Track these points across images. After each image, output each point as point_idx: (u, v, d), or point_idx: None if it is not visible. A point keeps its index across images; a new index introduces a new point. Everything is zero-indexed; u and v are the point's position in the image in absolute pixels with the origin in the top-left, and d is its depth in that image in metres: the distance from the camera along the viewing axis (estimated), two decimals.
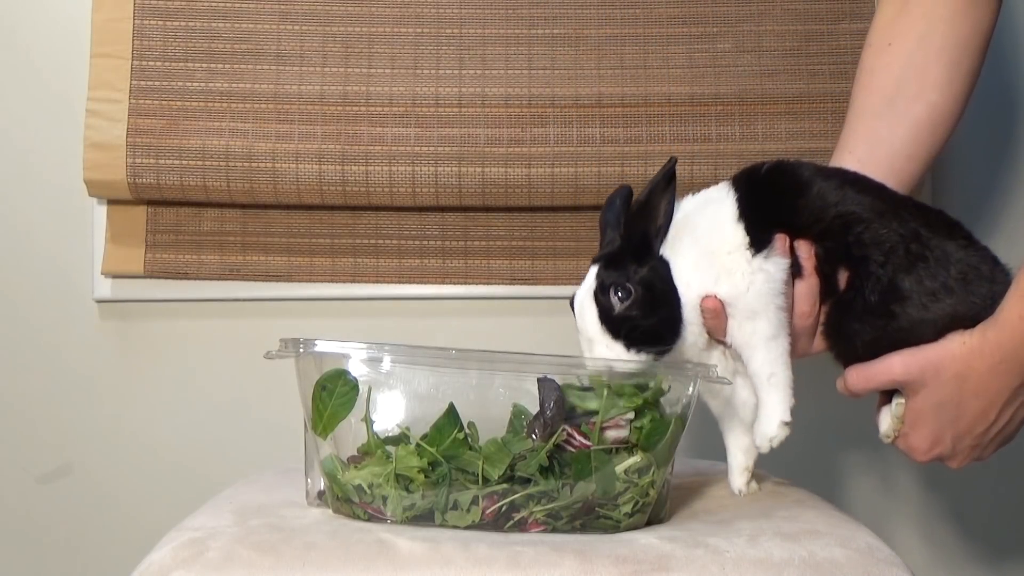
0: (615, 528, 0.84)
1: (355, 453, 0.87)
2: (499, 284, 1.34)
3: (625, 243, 0.92)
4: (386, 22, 1.30)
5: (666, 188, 0.91)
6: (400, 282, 1.33)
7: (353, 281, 1.33)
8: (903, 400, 0.92)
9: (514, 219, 1.33)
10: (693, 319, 0.92)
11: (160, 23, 1.28)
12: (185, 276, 1.32)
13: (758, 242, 0.91)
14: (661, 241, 0.92)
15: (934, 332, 0.89)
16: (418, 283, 1.34)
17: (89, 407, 1.34)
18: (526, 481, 0.83)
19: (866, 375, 0.93)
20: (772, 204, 0.93)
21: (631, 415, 0.85)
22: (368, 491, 0.84)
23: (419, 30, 1.30)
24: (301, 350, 0.87)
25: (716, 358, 0.96)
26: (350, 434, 0.86)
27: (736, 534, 0.82)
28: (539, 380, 0.85)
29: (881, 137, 1.01)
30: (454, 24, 1.30)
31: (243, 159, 1.25)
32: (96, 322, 1.35)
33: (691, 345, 0.93)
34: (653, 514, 0.88)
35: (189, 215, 1.32)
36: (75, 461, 1.34)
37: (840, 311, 0.93)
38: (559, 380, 0.86)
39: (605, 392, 0.85)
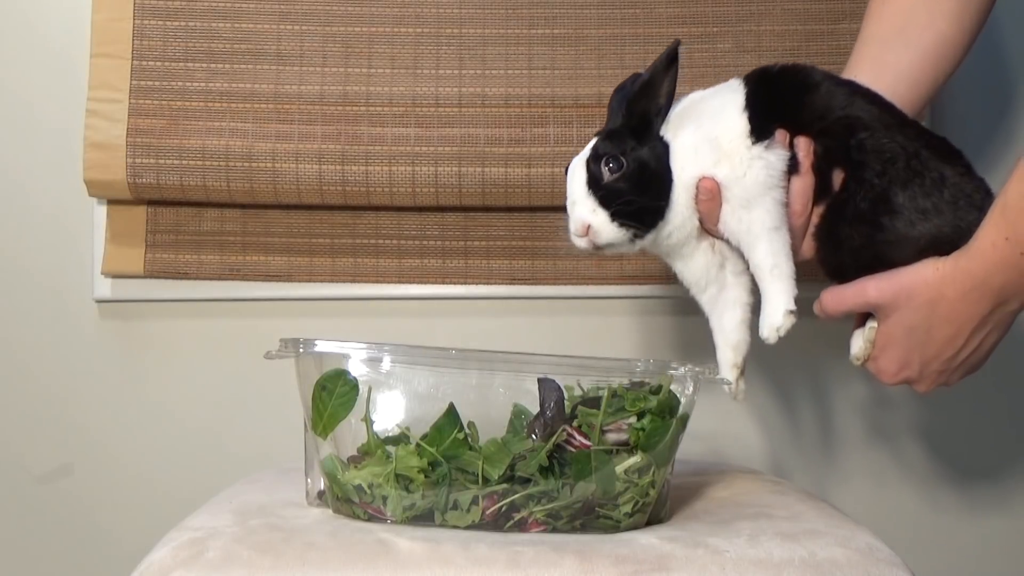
0: (615, 528, 0.84)
1: (355, 453, 0.87)
2: (499, 284, 1.34)
3: (626, 120, 0.94)
4: (386, 22, 1.30)
5: (668, 69, 0.92)
6: (400, 282, 1.33)
7: (353, 281, 1.33)
8: (876, 324, 0.94)
9: (514, 219, 1.33)
10: (684, 201, 0.93)
11: (160, 23, 1.28)
12: (185, 276, 1.32)
13: (760, 132, 0.92)
14: (661, 121, 0.94)
15: (915, 251, 0.90)
16: (418, 283, 1.34)
17: (89, 407, 1.34)
18: (526, 481, 0.83)
19: (840, 297, 0.94)
20: (780, 99, 0.94)
21: (633, 419, 0.85)
22: (368, 491, 0.84)
23: (419, 30, 1.30)
24: (301, 350, 0.87)
25: (703, 252, 0.96)
26: (350, 434, 0.86)
27: (736, 534, 0.82)
28: (539, 380, 0.85)
29: (887, 62, 1.01)
30: (454, 24, 1.30)
31: (243, 159, 1.25)
32: (96, 322, 1.35)
33: (678, 228, 0.94)
34: (653, 514, 0.88)
35: (189, 215, 1.32)
36: (75, 461, 1.34)
37: (831, 215, 0.94)
38: (559, 380, 0.86)
39: (607, 395, 0.85)
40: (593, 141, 0.95)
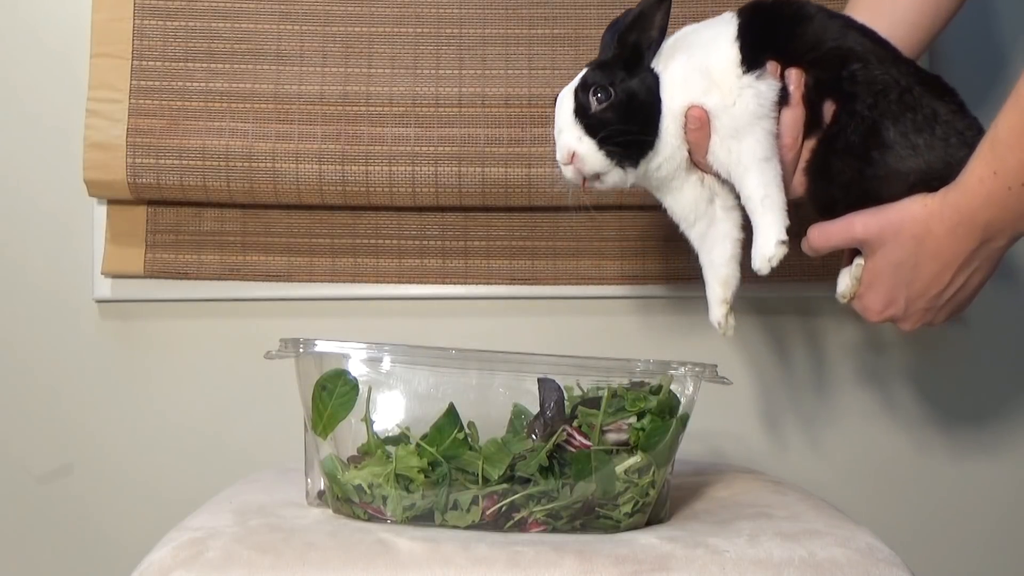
0: (615, 528, 0.85)
1: (355, 453, 0.87)
2: (499, 284, 1.34)
3: (618, 52, 0.94)
4: (386, 22, 1.30)
5: (660, 2, 0.92)
6: (400, 282, 1.33)
7: (353, 281, 1.33)
8: (862, 262, 0.94)
9: (514, 219, 1.33)
10: (673, 131, 0.93)
11: (160, 23, 1.28)
12: (185, 276, 1.32)
13: (751, 62, 0.92)
14: (653, 54, 0.94)
15: (905, 187, 0.90)
16: (418, 283, 1.34)
17: (89, 407, 1.34)
18: (526, 481, 0.83)
19: (827, 233, 0.94)
20: (772, 30, 0.94)
21: (633, 419, 0.85)
22: (368, 491, 0.84)
23: (419, 30, 1.30)
24: (301, 350, 0.87)
25: (692, 186, 0.96)
26: (350, 434, 0.86)
27: (736, 534, 0.82)
28: (539, 380, 0.86)
29: (885, 3, 1.01)
30: (454, 24, 1.30)
31: (243, 159, 1.25)
32: (96, 322, 1.35)
33: (667, 160, 0.94)
34: (653, 514, 0.88)
35: (189, 215, 1.32)
36: (75, 461, 1.34)
37: (822, 149, 0.93)
38: (559, 380, 0.86)
39: (607, 395, 0.85)
40: (583, 71, 0.94)
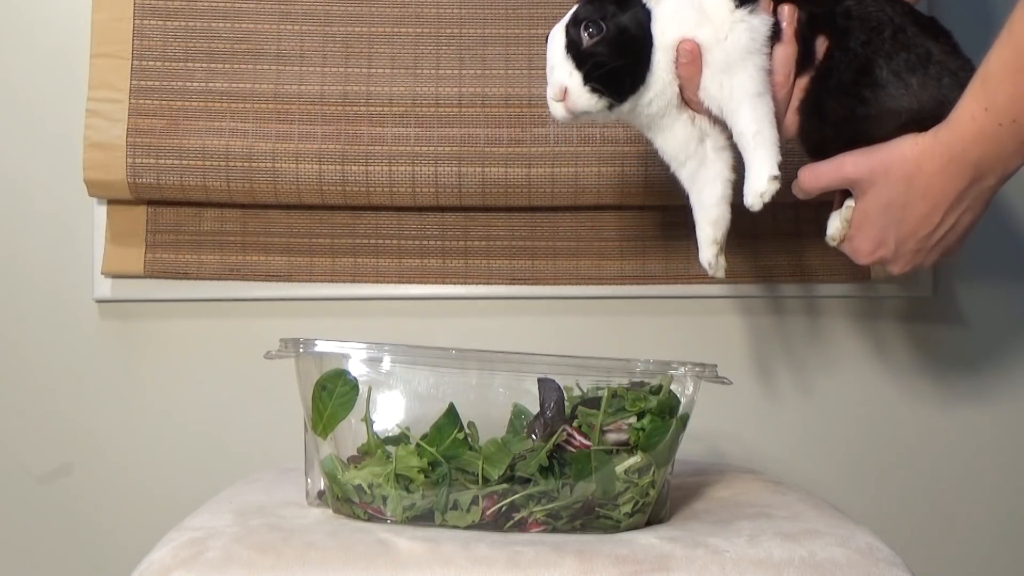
0: (615, 528, 0.85)
1: (355, 453, 0.87)
2: (499, 284, 1.34)
3: None
4: (386, 22, 1.30)
5: None
6: (400, 282, 1.33)
7: (353, 281, 1.33)
8: (852, 203, 0.93)
9: (514, 219, 1.33)
10: (664, 65, 0.93)
11: (160, 23, 1.28)
12: (185, 276, 1.32)
13: None
14: None
15: (896, 127, 0.90)
16: (418, 283, 1.34)
17: (89, 407, 1.34)
18: (526, 481, 0.83)
19: (817, 174, 0.94)
20: None
21: (633, 419, 0.85)
22: (368, 491, 0.84)
23: (419, 30, 1.30)
24: (301, 350, 0.87)
25: (683, 125, 0.96)
26: (350, 434, 0.86)
27: (736, 534, 0.82)
28: (539, 380, 0.86)
29: None
30: (454, 24, 1.30)
31: (243, 159, 1.25)
32: (96, 322, 1.35)
33: (658, 95, 0.94)
34: (653, 514, 0.88)
35: (189, 215, 1.32)
36: (75, 461, 1.34)
37: (814, 87, 0.93)
38: (559, 380, 0.86)
39: (607, 395, 0.85)
40: (575, 7, 0.94)
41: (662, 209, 1.32)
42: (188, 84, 1.27)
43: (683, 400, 0.88)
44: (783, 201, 1.32)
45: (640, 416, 0.85)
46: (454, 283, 1.33)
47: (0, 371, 1.34)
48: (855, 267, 1.34)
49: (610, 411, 0.85)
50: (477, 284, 1.34)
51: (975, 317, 1.39)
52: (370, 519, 0.85)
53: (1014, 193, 1.39)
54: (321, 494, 0.90)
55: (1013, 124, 0.82)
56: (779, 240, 1.34)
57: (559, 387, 0.86)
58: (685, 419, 0.88)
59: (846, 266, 1.34)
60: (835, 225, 0.96)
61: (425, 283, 1.33)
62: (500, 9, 1.30)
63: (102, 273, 1.32)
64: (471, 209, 1.32)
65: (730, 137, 0.94)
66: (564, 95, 0.92)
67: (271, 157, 1.25)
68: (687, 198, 1.00)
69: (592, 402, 0.86)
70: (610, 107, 0.93)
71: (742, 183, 0.93)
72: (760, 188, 0.90)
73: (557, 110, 0.94)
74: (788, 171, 0.92)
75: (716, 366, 0.91)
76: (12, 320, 1.34)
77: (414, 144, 1.26)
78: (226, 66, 1.28)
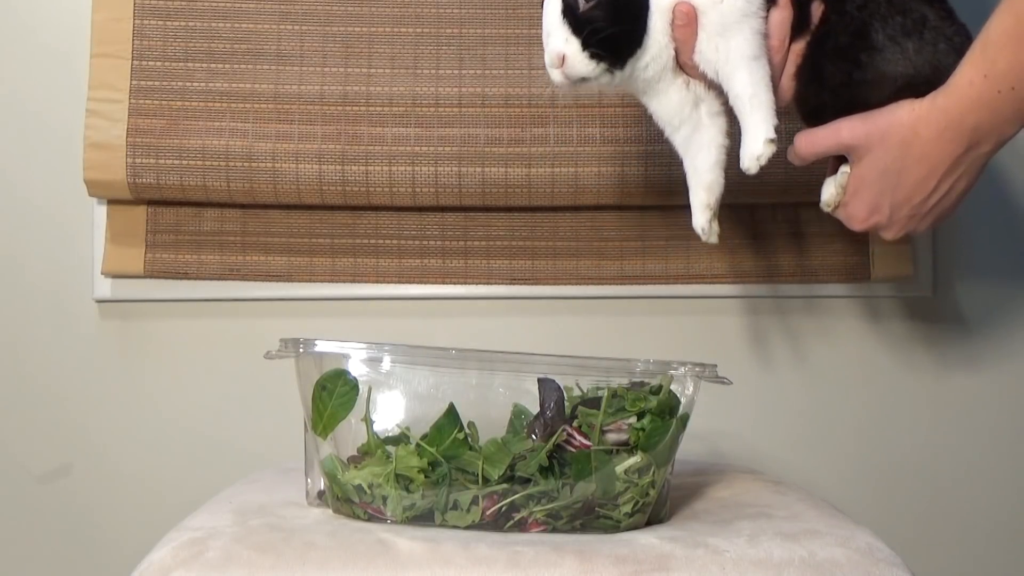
0: (615, 528, 0.85)
1: (355, 453, 0.87)
2: (499, 284, 1.34)
3: None
4: (386, 22, 1.30)
5: None
6: (400, 282, 1.33)
7: (353, 281, 1.33)
8: (847, 169, 0.93)
9: (514, 219, 1.33)
10: (661, 28, 0.92)
11: (160, 23, 1.28)
12: (185, 276, 1.32)
13: None
14: None
15: (892, 91, 0.90)
16: (418, 283, 1.34)
17: (89, 407, 1.34)
18: (526, 481, 0.83)
19: (813, 139, 0.94)
20: None
21: (633, 419, 0.85)
22: (368, 491, 0.84)
23: (419, 30, 1.30)
24: (301, 350, 0.87)
25: (677, 89, 0.96)
26: (350, 434, 0.86)
27: (736, 534, 0.82)
28: (539, 380, 0.86)
29: None
30: (454, 24, 1.30)
31: (243, 159, 1.25)
32: (96, 322, 1.35)
33: (654, 59, 0.93)
34: (653, 514, 0.88)
35: (189, 215, 1.32)
36: (75, 461, 1.34)
37: (810, 51, 0.93)
38: (559, 380, 0.86)
39: (607, 395, 0.85)
40: None
41: (662, 209, 1.32)
42: (188, 84, 1.27)
43: (683, 400, 0.88)
44: (783, 201, 1.33)
45: (640, 416, 0.85)
46: (454, 283, 1.33)
47: (0, 371, 1.34)
48: (855, 267, 1.34)
49: (610, 411, 0.85)
50: (477, 284, 1.34)
51: (975, 317, 1.39)
52: (370, 519, 0.85)
53: (1014, 193, 1.39)
54: (321, 494, 0.90)
55: (1012, 91, 0.83)
56: (779, 240, 1.34)
57: (559, 387, 0.86)
58: (685, 419, 0.88)
59: (846, 266, 1.34)
60: (830, 191, 0.96)
61: (425, 283, 1.33)
62: (500, 9, 1.30)
63: (102, 273, 1.32)
64: (471, 209, 1.32)
65: (725, 103, 0.94)
66: (562, 62, 0.92)
67: (271, 157, 1.25)
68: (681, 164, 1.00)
69: (592, 402, 0.86)
70: (610, 72, 0.93)
71: (736, 149, 0.93)
72: (756, 151, 0.90)
73: (555, 76, 0.94)
74: (783, 139, 0.92)
75: (716, 366, 0.91)
76: (12, 320, 1.34)
77: (414, 144, 1.26)
78: (226, 66, 1.28)
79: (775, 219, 1.34)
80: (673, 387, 0.87)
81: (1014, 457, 1.39)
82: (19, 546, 1.34)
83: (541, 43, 0.96)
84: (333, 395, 0.86)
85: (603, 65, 0.92)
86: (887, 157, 0.90)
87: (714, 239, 0.98)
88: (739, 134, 0.92)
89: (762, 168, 0.90)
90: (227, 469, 1.28)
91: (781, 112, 0.92)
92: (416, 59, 1.29)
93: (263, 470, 1.11)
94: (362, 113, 1.27)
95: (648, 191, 1.27)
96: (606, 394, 0.85)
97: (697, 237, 0.99)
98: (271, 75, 1.28)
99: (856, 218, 0.95)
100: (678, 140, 0.99)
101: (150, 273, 1.32)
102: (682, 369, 0.88)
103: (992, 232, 1.38)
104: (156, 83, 1.27)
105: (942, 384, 1.39)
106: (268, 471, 1.09)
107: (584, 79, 0.93)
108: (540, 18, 0.96)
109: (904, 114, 0.88)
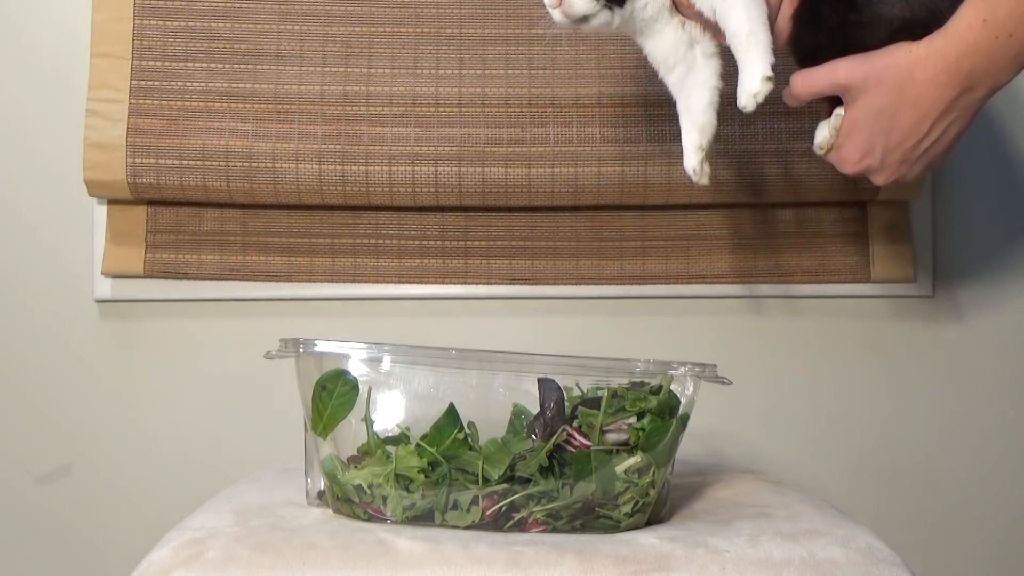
0: (615, 528, 0.85)
1: (355, 453, 0.87)
2: (499, 284, 1.34)
3: None
4: (386, 22, 1.30)
5: None
6: (400, 282, 1.33)
7: (353, 281, 1.33)
8: (842, 112, 0.93)
9: (514, 219, 1.33)
10: None
11: (160, 23, 1.28)
12: (185, 276, 1.32)
13: None
14: None
15: (888, 34, 0.90)
16: (418, 283, 1.34)
17: (89, 407, 1.34)
18: (526, 481, 0.83)
19: (810, 79, 0.94)
20: None
21: (633, 419, 0.85)
22: (368, 491, 0.84)
23: (419, 30, 1.30)
24: (301, 350, 0.87)
25: (672, 29, 0.96)
26: (350, 434, 0.86)
27: (736, 534, 0.82)
28: (539, 380, 0.86)
29: None
30: (454, 24, 1.30)
31: (243, 159, 1.25)
32: (96, 322, 1.35)
33: (650, 1, 0.94)
34: (653, 514, 0.88)
35: (189, 215, 1.32)
36: (75, 461, 1.34)
37: None
38: (559, 380, 0.86)
39: (607, 395, 0.85)
40: None
41: (662, 209, 1.32)
42: (188, 84, 1.27)
43: (683, 400, 0.88)
44: (783, 201, 1.32)
45: (640, 416, 0.85)
46: (454, 283, 1.33)
47: (0, 371, 1.34)
48: (855, 267, 1.34)
49: (610, 411, 0.85)
50: (477, 284, 1.34)
51: (975, 317, 1.39)
52: (370, 519, 0.85)
53: (1014, 192, 1.39)
54: (321, 494, 0.90)
55: (1009, 38, 0.83)
56: (779, 240, 1.34)
57: (559, 387, 0.86)
58: (685, 419, 0.88)
59: (846, 266, 1.34)
60: (823, 134, 0.96)
61: (425, 283, 1.33)
62: (500, 9, 1.30)
63: (102, 273, 1.32)
64: (471, 209, 1.32)
65: (720, 45, 0.95)
66: (560, 1, 0.92)
67: (271, 157, 1.25)
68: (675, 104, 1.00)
69: (592, 402, 0.86)
70: (609, 9, 0.93)
71: (728, 92, 0.93)
72: (754, 88, 0.90)
73: (556, 15, 0.94)
74: (779, 79, 0.91)
75: (716, 366, 0.91)
76: (12, 320, 1.34)
77: (414, 144, 1.26)
78: (226, 66, 1.28)
79: (775, 219, 1.34)
80: (673, 387, 0.87)
81: (1014, 457, 1.39)
82: (19, 546, 1.34)
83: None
84: (333, 395, 0.86)
85: (602, 2, 0.92)
86: (882, 99, 0.90)
87: (705, 180, 0.98)
88: (733, 78, 0.92)
89: (758, 105, 0.90)
90: (227, 469, 1.28)
91: (777, 54, 0.92)
92: (416, 59, 1.29)
93: (263, 470, 1.11)
94: (362, 113, 1.27)
95: (648, 191, 1.27)
96: (606, 394, 0.85)
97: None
98: (271, 75, 1.28)
99: (848, 161, 0.95)
100: (672, 80, 0.99)
101: (150, 273, 1.32)
102: (682, 369, 0.88)
103: (992, 233, 1.38)
104: (156, 83, 1.27)
105: (942, 384, 1.39)
106: (268, 471, 1.09)
107: (584, 17, 0.93)
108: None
109: (901, 56, 0.89)
